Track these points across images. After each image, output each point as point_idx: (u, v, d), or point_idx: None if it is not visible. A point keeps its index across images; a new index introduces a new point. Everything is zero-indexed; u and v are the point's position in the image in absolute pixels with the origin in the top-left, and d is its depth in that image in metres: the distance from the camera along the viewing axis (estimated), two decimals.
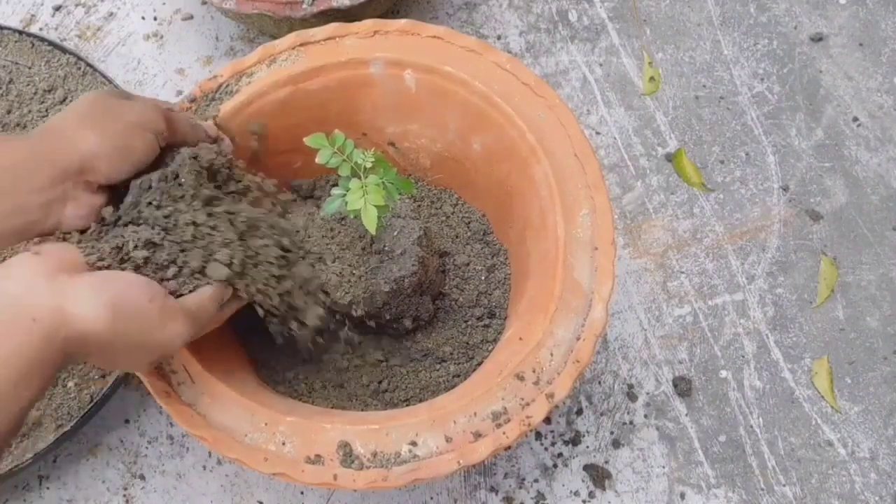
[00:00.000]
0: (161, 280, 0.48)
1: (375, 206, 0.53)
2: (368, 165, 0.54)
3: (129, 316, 0.45)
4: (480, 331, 0.66)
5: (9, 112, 0.82)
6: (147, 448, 0.73)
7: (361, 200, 0.53)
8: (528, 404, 0.53)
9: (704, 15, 0.95)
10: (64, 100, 0.82)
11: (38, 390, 0.42)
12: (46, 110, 0.82)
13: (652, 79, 0.91)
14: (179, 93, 0.89)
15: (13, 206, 0.48)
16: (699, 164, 0.86)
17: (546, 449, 0.74)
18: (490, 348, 0.64)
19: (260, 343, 0.63)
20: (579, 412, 0.75)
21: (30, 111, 0.82)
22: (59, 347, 0.43)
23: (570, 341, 0.55)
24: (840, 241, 0.83)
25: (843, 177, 0.86)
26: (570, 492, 0.72)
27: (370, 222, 0.52)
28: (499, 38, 0.93)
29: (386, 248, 0.59)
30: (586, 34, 0.94)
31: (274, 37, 0.68)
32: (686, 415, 0.75)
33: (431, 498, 0.71)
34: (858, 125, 0.88)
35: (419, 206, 0.72)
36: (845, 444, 0.74)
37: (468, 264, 0.68)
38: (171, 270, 0.49)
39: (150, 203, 0.50)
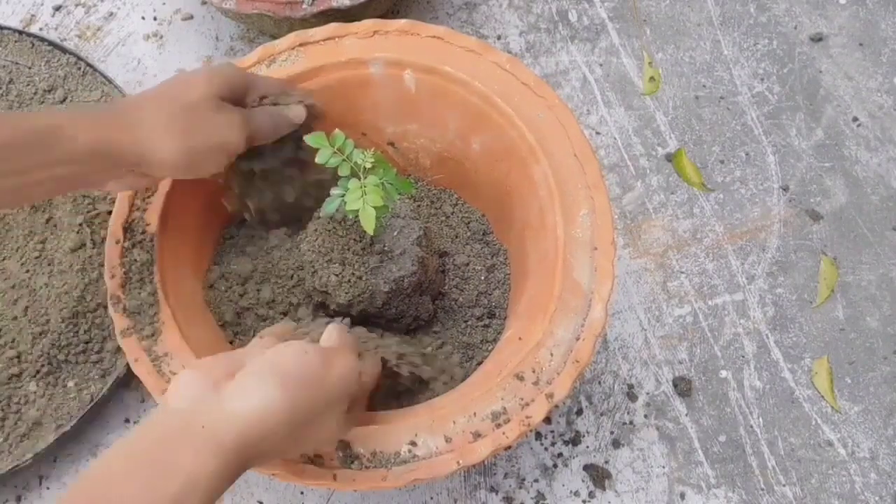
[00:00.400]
0: None
1: (374, 206, 0.53)
2: (368, 166, 0.54)
3: (298, 382, 0.43)
4: (480, 331, 0.66)
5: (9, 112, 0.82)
6: None
7: (360, 201, 0.53)
8: (527, 404, 0.53)
9: (704, 15, 0.95)
10: (64, 100, 0.82)
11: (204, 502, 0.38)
12: None
13: (652, 79, 0.91)
14: None
15: (65, 156, 0.49)
16: (699, 164, 0.86)
17: (546, 449, 0.74)
18: (490, 348, 0.64)
19: None
20: (579, 412, 0.75)
21: (30, 111, 0.82)
22: (232, 449, 0.39)
23: (569, 341, 0.55)
24: (840, 241, 0.83)
25: (843, 177, 0.86)
26: (570, 492, 0.72)
27: (368, 223, 0.52)
28: (499, 38, 0.93)
29: (386, 248, 0.59)
30: (586, 34, 0.94)
31: (274, 37, 0.68)
32: (686, 415, 0.75)
33: (431, 498, 0.71)
34: (858, 125, 0.88)
35: (419, 206, 0.72)
36: (845, 444, 0.74)
37: (468, 264, 0.68)
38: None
39: None
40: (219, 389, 0.41)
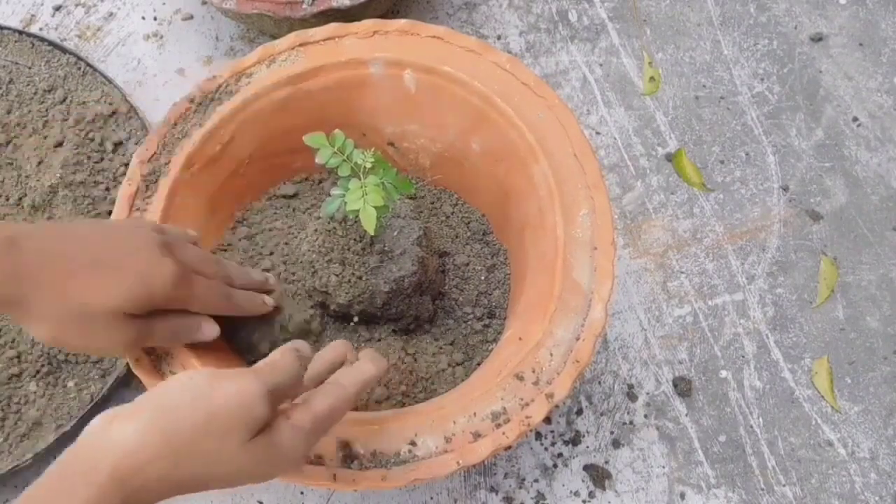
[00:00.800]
0: None
1: (374, 206, 0.53)
2: (368, 166, 0.54)
3: (171, 406, 0.40)
4: (480, 331, 0.66)
5: (9, 112, 0.82)
6: None
7: (360, 201, 0.53)
8: (527, 404, 0.53)
9: (704, 15, 0.95)
10: (64, 99, 0.82)
11: None
12: (46, 110, 0.82)
13: (652, 79, 0.91)
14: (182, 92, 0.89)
15: None
16: (699, 164, 0.86)
17: (546, 449, 0.74)
18: (490, 348, 0.64)
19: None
20: (579, 412, 0.75)
21: (30, 111, 0.82)
22: (107, 483, 0.37)
23: (569, 341, 0.55)
24: (840, 241, 0.83)
25: (843, 177, 0.86)
26: (570, 492, 0.72)
27: (369, 223, 0.52)
28: (499, 38, 0.93)
29: (386, 249, 0.59)
30: (586, 34, 0.94)
31: (274, 37, 0.68)
32: (686, 415, 0.75)
33: (431, 498, 0.71)
34: (858, 125, 0.88)
35: (419, 206, 0.72)
36: (845, 444, 0.74)
37: (468, 264, 0.68)
38: None
39: None
40: (111, 422, 0.39)
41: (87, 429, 0.40)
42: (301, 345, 0.47)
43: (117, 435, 0.39)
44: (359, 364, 0.49)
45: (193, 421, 0.39)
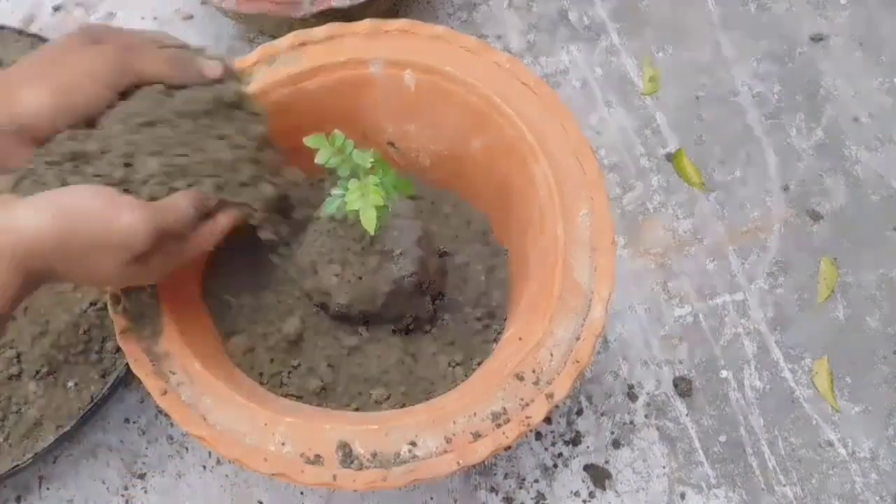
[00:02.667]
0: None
1: (375, 206, 0.53)
2: (368, 166, 0.54)
3: (72, 215, 0.46)
4: (480, 331, 0.65)
5: None
6: (147, 448, 0.73)
7: (360, 201, 0.53)
8: (527, 404, 0.53)
9: (704, 15, 0.95)
10: None
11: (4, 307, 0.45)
12: None
13: (652, 79, 0.91)
14: None
15: None
16: (699, 164, 0.86)
17: (546, 449, 0.74)
18: (490, 348, 0.64)
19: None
20: (579, 412, 0.75)
21: None
22: (19, 261, 0.45)
23: (569, 341, 0.55)
24: (840, 241, 0.83)
25: (843, 177, 0.86)
26: (570, 492, 0.72)
27: (369, 223, 0.52)
28: (499, 38, 0.93)
29: (386, 249, 0.59)
30: (586, 34, 0.94)
31: (274, 37, 0.68)
32: (686, 415, 0.75)
33: (431, 498, 0.71)
34: (858, 125, 0.88)
35: (419, 206, 0.71)
36: (845, 444, 0.74)
37: (468, 264, 0.68)
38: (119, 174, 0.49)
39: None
40: (14, 205, 0.46)
41: None
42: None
43: (21, 220, 0.45)
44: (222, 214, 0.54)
45: (88, 235, 0.46)
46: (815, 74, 0.91)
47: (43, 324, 0.70)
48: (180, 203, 0.50)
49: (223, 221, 0.54)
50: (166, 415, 0.55)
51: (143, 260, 0.49)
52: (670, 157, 0.87)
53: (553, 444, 0.74)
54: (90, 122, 0.51)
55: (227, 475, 0.73)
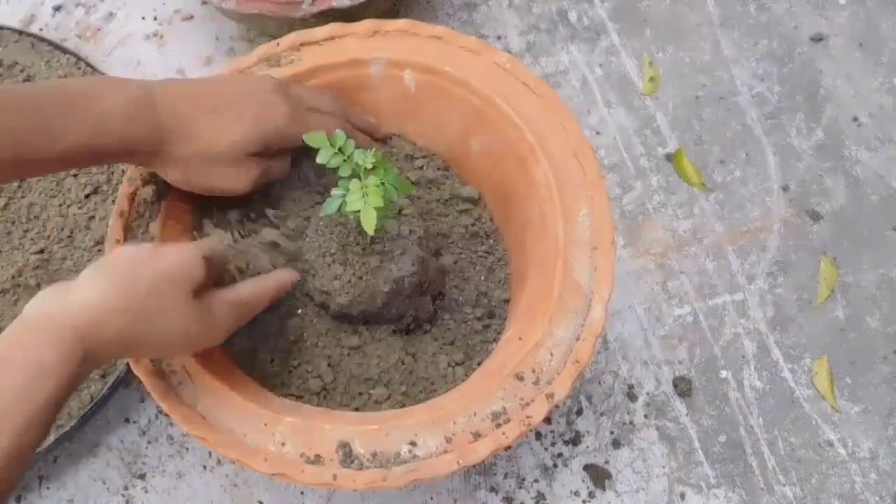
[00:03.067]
0: None
1: (375, 207, 0.53)
2: (369, 166, 0.54)
3: (124, 270, 0.46)
4: (480, 331, 0.65)
5: None
6: (147, 448, 0.73)
7: (361, 201, 0.53)
8: (527, 404, 0.53)
9: (704, 15, 0.95)
10: None
11: (51, 392, 0.41)
12: None
13: (652, 79, 0.91)
14: None
15: None
16: (699, 164, 0.86)
17: (546, 449, 0.74)
18: (490, 348, 0.64)
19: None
20: (579, 412, 0.75)
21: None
22: (71, 336, 0.42)
23: (569, 341, 0.55)
24: (840, 241, 0.83)
25: (843, 177, 0.86)
26: (570, 492, 0.72)
27: (369, 223, 0.52)
28: (499, 38, 0.93)
29: (386, 249, 0.59)
30: (586, 34, 0.94)
31: (274, 37, 0.68)
32: (686, 415, 0.75)
33: (431, 498, 0.71)
34: (858, 125, 0.88)
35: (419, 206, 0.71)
36: (845, 444, 0.74)
37: (468, 264, 0.68)
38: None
39: None
40: (68, 288, 0.45)
41: (34, 301, 0.44)
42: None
43: (77, 296, 0.44)
44: (279, 271, 0.59)
45: (145, 280, 0.46)
46: (815, 74, 0.91)
47: None
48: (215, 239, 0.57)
49: (280, 277, 0.58)
50: (166, 415, 0.55)
51: (205, 298, 0.50)
52: (670, 157, 0.87)
53: (553, 444, 0.74)
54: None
55: (227, 475, 0.73)
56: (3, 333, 0.43)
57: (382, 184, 0.54)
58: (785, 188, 0.85)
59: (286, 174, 0.63)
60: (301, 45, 0.66)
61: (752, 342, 0.78)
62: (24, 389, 0.40)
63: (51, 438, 0.67)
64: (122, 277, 0.46)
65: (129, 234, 0.59)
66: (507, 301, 0.66)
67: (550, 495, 0.72)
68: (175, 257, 0.48)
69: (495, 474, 0.72)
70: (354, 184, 0.54)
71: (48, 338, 0.42)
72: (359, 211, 0.53)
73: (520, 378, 0.54)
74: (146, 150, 0.54)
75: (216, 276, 0.53)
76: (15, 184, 0.78)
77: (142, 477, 0.73)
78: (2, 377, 0.40)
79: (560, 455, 0.73)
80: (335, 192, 0.56)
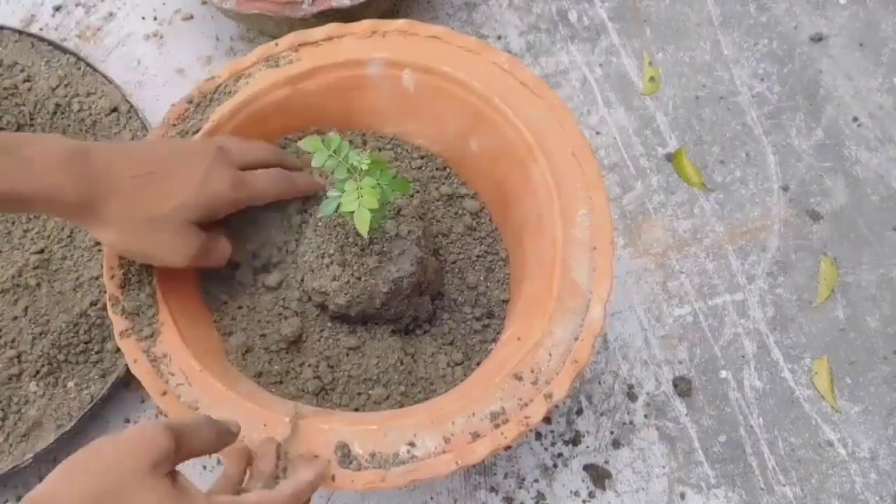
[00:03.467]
0: None
1: (370, 208, 0.52)
2: (364, 167, 0.54)
3: (85, 470, 0.41)
4: (479, 331, 0.65)
5: (9, 112, 0.82)
6: None
7: (356, 203, 0.53)
8: (526, 404, 0.53)
9: (704, 15, 0.95)
10: (64, 99, 0.82)
11: None
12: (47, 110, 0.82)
13: (652, 79, 0.91)
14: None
15: None
16: (699, 164, 0.86)
17: (546, 449, 0.74)
18: (489, 348, 0.64)
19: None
20: (579, 412, 0.75)
21: (30, 111, 0.82)
22: None
23: (568, 341, 0.55)
24: (840, 241, 0.83)
25: (843, 177, 0.86)
26: (570, 492, 0.72)
27: (362, 224, 0.52)
28: (499, 38, 0.93)
29: (385, 249, 0.59)
30: (586, 34, 0.94)
31: (274, 37, 0.68)
32: (686, 415, 0.75)
33: (431, 498, 0.71)
34: (858, 125, 0.88)
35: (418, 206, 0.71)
36: (845, 444, 0.74)
37: (468, 264, 0.68)
38: None
39: None
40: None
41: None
42: (231, 421, 0.48)
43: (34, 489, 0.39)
44: (297, 473, 0.50)
45: (105, 462, 0.40)
46: (815, 74, 0.91)
47: (43, 324, 0.71)
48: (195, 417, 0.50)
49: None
50: (166, 415, 0.55)
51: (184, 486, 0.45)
52: (670, 157, 0.87)
53: (553, 443, 0.74)
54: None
55: None
56: None
57: (378, 185, 0.54)
58: (785, 188, 0.85)
59: (222, 264, 0.60)
60: (300, 45, 0.66)
61: (752, 342, 0.78)
62: None
63: (50, 438, 0.67)
64: (78, 465, 0.41)
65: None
66: (505, 301, 0.66)
67: (550, 495, 0.72)
68: (136, 431, 0.42)
69: (495, 474, 0.72)
70: (350, 185, 0.54)
71: None
72: (353, 212, 0.53)
73: (518, 378, 0.54)
74: (74, 202, 0.51)
75: (195, 448, 0.46)
76: None
77: None
78: None
79: (560, 455, 0.73)
80: (332, 193, 0.56)
